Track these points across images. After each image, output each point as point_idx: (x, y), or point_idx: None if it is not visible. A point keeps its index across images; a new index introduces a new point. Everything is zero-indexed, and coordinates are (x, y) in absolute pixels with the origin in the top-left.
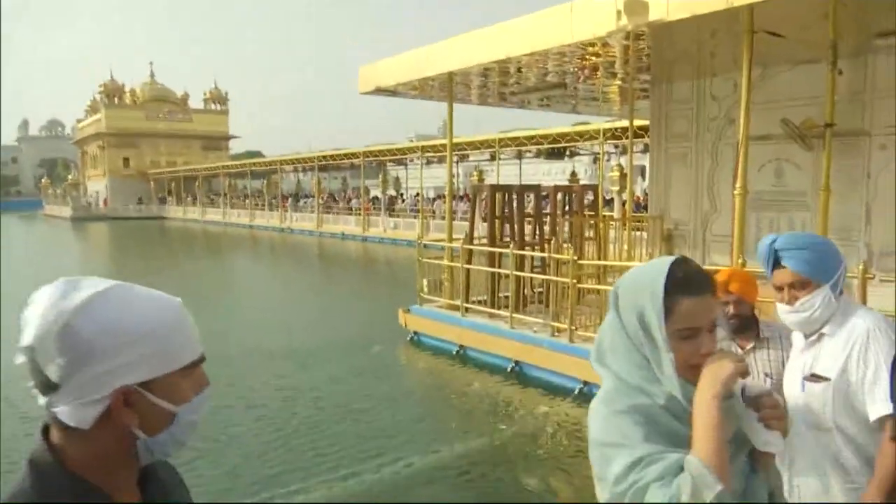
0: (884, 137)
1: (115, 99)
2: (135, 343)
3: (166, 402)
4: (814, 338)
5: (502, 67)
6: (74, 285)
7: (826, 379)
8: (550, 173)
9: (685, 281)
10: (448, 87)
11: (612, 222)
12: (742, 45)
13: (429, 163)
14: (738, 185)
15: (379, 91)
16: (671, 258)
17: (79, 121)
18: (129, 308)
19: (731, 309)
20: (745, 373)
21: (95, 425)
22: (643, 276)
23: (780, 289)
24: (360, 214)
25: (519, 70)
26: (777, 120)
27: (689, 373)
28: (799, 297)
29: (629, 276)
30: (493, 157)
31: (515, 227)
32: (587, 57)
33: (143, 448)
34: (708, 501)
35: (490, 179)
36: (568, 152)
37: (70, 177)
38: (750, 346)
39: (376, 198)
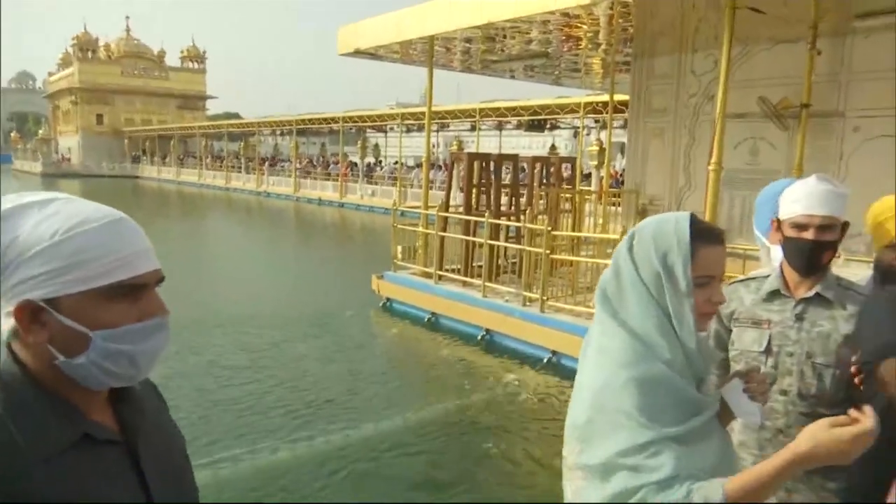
0: (857, 119)
1: (89, 53)
2: (41, 255)
3: (77, 324)
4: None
5: (485, 33)
6: (12, 199)
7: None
8: (531, 147)
9: (705, 231)
10: (429, 52)
11: (588, 196)
12: (723, 20)
13: (409, 131)
14: (713, 160)
15: (358, 53)
16: (685, 213)
17: (50, 74)
18: (48, 219)
19: None
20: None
21: (27, 340)
22: (664, 224)
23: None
24: (337, 180)
25: (502, 37)
26: (755, 98)
27: (700, 320)
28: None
29: (647, 225)
30: (473, 128)
31: (492, 196)
32: (571, 26)
33: (69, 368)
34: None
35: (470, 150)
36: (548, 125)
37: (41, 132)
38: None
39: (354, 164)
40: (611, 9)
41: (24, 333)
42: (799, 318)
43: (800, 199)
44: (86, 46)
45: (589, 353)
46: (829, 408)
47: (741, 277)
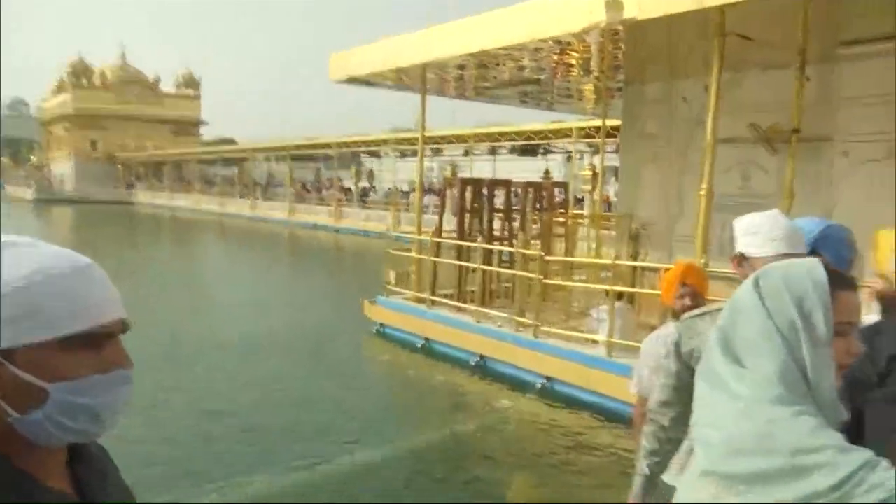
0: (847, 144)
1: (84, 79)
2: None
3: (31, 376)
4: None
5: (478, 61)
6: None
7: None
8: (527, 171)
9: (840, 276)
10: (422, 79)
11: (581, 221)
12: (713, 47)
13: (403, 155)
14: (703, 185)
15: (351, 80)
16: (813, 259)
17: (44, 100)
18: (5, 267)
19: (687, 301)
20: None
21: None
22: (795, 268)
23: None
24: (331, 205)
25: (495, 64)
26: (746, 124)
27: (836, 373)
28: None
29: (776, 269)
30: (467, 153)
31: (485, 221)
32: (564, 52)
33: (23, 427)
34: None
35: (465, 175)
36: (542, 150)
37: (33, 158)
38: None
39: (349, 189)
40: (601, 36)
41: None
42: None
43: (781, 237)
44: (80, 73)
45: (720, 398)
46: None
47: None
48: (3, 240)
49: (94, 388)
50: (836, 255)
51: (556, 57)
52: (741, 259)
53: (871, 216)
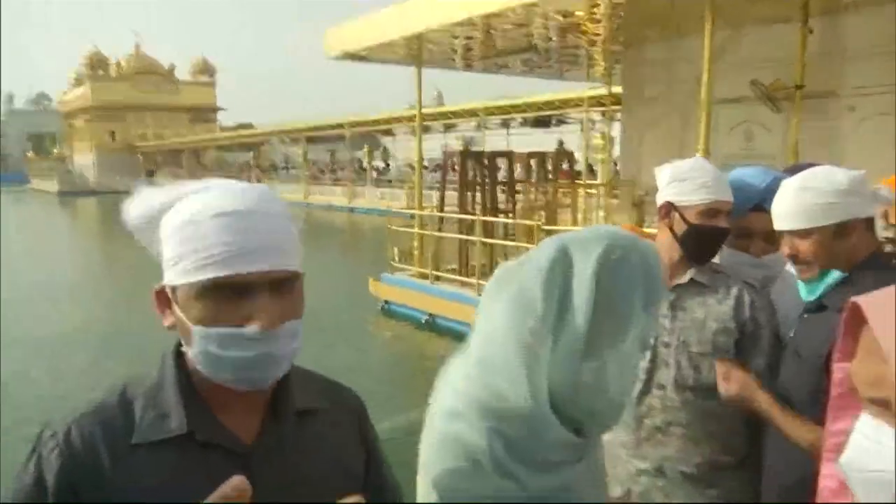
0: (853, 98)
1: (100, 71)
2: (170, 239)
3: (184, 315)
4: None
5: (474, 28)
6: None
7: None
8: (544, 144)
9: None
10: (417, 50)
11: (590, 190)
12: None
13: (425, 131)
14: (699, 146)
15: (346, 56)
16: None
17: (64, 94)
18: (193, 202)
19: None
20: None
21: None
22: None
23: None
24: (346, 185)
25: (486, 31)
26: (748, 81)
27: None
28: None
29: (634, 252)
30: (479, 127)
31: (487, 194)
32: (548, 17)
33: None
34: None
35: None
36: (554, 121)
37: (55, 150)
38: None
39: (363, 168)
40: None
41: (162, 317)
42: (673, 306)
43: (709, 183)
44: (97, 65)
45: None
46: (706, 399)
47: None
48: (218, 181)
49: (220, 339)
50: None
51: (548, 21)
52: (669, 208)
53: (879, 173)
